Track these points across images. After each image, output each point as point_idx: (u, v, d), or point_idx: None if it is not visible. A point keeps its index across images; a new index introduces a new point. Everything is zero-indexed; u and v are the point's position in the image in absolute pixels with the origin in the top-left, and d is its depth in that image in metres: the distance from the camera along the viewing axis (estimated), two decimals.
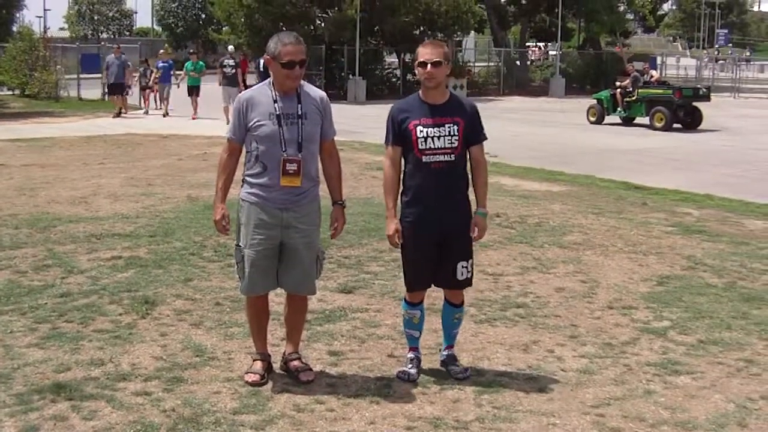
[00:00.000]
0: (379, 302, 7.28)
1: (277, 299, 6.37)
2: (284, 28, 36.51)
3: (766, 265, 8.89)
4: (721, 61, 59.16)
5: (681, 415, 5.18)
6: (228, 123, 27.22)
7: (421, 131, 5.48)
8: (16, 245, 9.08)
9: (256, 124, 5.44)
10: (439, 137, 5.49)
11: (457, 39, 45.92)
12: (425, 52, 5.54)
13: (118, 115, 27.16)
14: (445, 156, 5.50)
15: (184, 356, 5.98)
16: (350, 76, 36.71)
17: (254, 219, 5.53)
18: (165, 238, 9.47)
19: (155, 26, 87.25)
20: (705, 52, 68.03)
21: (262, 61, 27.65)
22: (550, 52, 56.60)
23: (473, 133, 5.60)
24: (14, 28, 45.61)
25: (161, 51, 32.47)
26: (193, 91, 27.35)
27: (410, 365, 5.74)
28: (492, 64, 48.97)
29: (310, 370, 5.64)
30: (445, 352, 5.86)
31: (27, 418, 4.93)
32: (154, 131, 21.95)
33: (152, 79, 29.25)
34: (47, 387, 5.34)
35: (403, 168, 5.68)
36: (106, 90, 30.71)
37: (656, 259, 9.07)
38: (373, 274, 8.21)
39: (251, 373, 5.55)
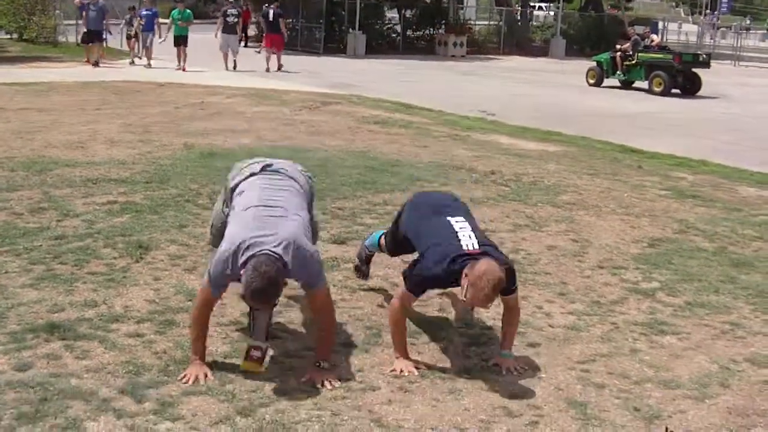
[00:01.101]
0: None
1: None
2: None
3: (757, 232, 8.96)
4: (722, 29, 58.82)
5: (665, 373, 5.26)
6: (226, 68, 27.76)
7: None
8: (12, 188, 9.11)
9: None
10: None
11: None
12: (483, 303, 4.88)
13: (96, 64, 25.70)
14: None
15: (176, 300, 6.05)
16: (350, 30, 36.53)
17: None
18: (161, 185, 9.50)
19: None
20: (701, 18, 67.70)
21: (271, 12, 28.42)
22: (550, 12, 56.30)
23: (505, 290, 5.04)
24: None
25: None
26: (180, 41, 25.91)
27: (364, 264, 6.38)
28: (493, 22, 48.71)
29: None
30: None
31: (20, 355, 4.99)
32: (151, 79, 21.87)
33: (136, 27, 27.76)
34: (41, 326, 5.41)
35: None
36: (82, 36, 28.06)
37: (649, 221, 9.13)
38: (366, 226, 8.25)
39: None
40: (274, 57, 27.18)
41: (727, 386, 5.14)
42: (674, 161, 13.27)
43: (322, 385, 4.82)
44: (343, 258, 7.21)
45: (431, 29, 41.68)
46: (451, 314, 6.10)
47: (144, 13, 27.67)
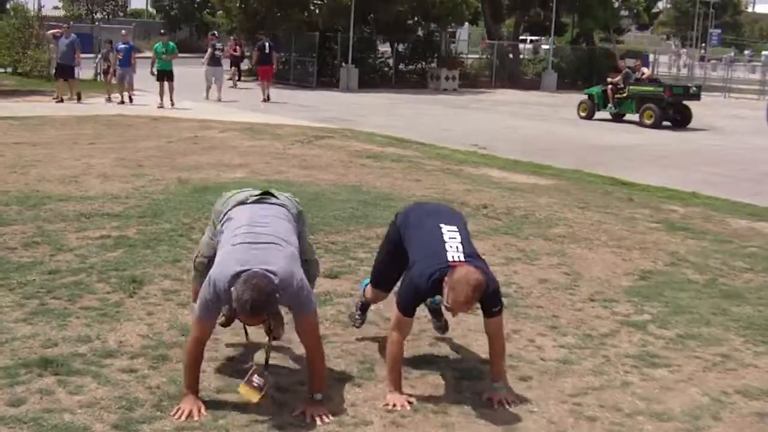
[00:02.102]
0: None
1: None
2: (278, 14, 36.57)
3: (747, 264, 9.00)
4: (713, 61, 59.22)
5: (657, 406, 5.28)
6: (206, 98, 27.97)
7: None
8: (6, 222, 9.13)
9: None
10: None
11: (451, 30, 45.89)
12: (461, 307, 4.98)
13: (61, 100, 24.45)
14: None
15: (169, 335, 6.06)
16: (343, 64, 36.70)
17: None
18: (154, 219, 9.53)
19: (149, 8, 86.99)
20: (684, 50, 68.23)
21: (267, 44, 29.15)
22: (543, 47, 56.64)
23: (488, 307, 5.21)
24: (8, 5, 45.45)
25: (123, 31, 28.40)
26: (164, 75, 24.60)
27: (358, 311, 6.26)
28: (485, 56, 48.96)
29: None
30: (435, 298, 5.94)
31: (13, 391, 5.00)
32: (145, 113, 21.93)
33: (113, 62, 26.52)
34: (34, 361, 5.42)
35: None
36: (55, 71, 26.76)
37: (640, 254, 9.17)
38: (358, 260, 8.28)
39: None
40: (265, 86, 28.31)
41: (718, 418, 5.16)
42: (665, 194, 13.34)
43: (313, 419, 4.82)
44: (335, 292, 7.23)
45: (423, 63, 41.89)
46: (444, 348, 6.11)
47: (121, 46, 26.14)
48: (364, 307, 6.33)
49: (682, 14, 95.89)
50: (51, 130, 17.77)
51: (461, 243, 5.24)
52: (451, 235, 5.28)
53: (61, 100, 24.42)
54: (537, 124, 24.99)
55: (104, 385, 5.16)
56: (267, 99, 28.07)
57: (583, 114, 27.45)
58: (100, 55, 28.29)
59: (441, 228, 5.34)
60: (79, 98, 25.01)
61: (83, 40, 31.07)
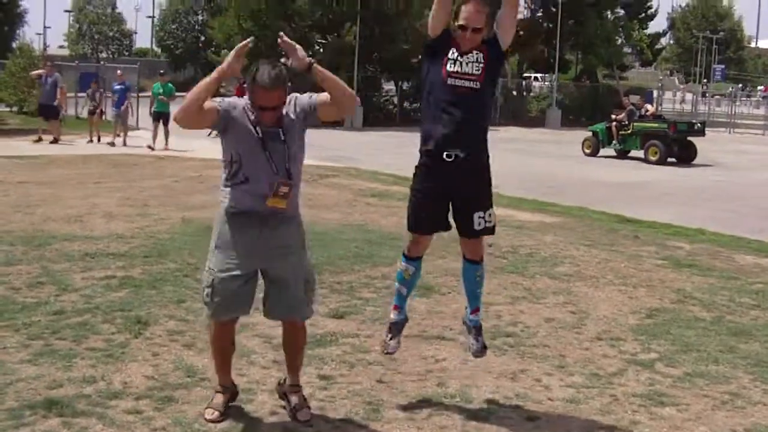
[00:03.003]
0: (370, 328, 7.34)
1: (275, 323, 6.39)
2: (282, 54, 36.72)
3: (755, 300, 8.97)
4: (717, 96, 59.44)
5: None
6: (215, 134, 28.15)
7: (453, 53, 5.61)
8: (11, 262, 9.14)
9: (237, 136, 5.15)
10: (467, 63, 5.61)
11: None
12: (468, 13, 5.47)
13: (39, 140, 23.94)
14: (471, 83, 5.66)
15: (175, 376, 6.04)
16: None
17: (231, 242, 5.21)
18: (159, 259, 9.53)
19: (155, 47, 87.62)
20: (682, 86, 68.57)
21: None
22: (546, 83, 56.89)
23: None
24: (14, 45, 45.80)
25: (118, 72, 28.39)
26: (161, 117, 23.68)
27: (390, 335, 6.03)
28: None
29: (308, 408, 5.43)
30: (471, 316, 6.05)
31: None
32: (147, 153, 21.99)
33: (98, 101, 26.16)
34: (39, 403, 5.39)
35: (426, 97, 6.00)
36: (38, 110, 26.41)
37: (646, 291, 9.15)
38: (364, 300, 8.27)
39: (211, 408, 5.33)
40: None
41: None
42: (671, 230, 13.32)
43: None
44: (341, 332, 7.21)
45: None
46: (451, 389, 6.08)
47: (116, 87, 25.70)
48: (392, 330, 6.17)
49: (685, 50, 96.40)
50: (56, 170, 17.83)
51: None
52: None
53: (39, 140, 23.90)
54: (542, 161, 25.04)
55: (109, 426, 5.13)
56: None
57: (587, 151, 27.51)
58: (86, 95, 27.16)
59: None
60: (55, 140, 24.17)
61: (87, 79, 31.14)
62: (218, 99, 5.19)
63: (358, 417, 5.45)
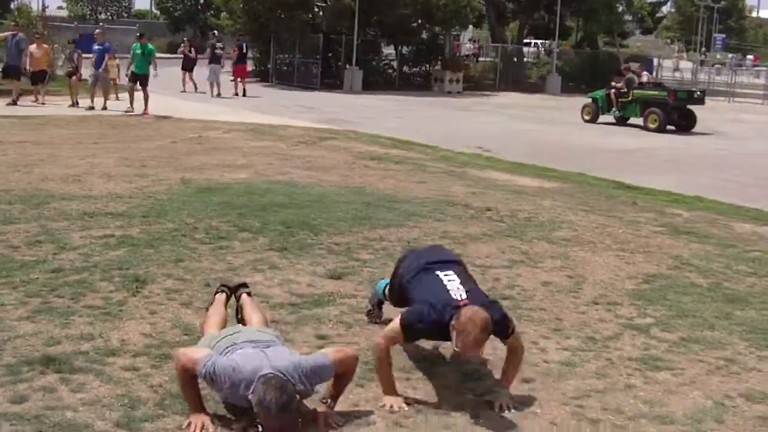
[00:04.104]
0: (367, 289, 7.33)
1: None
2: (282, 16, 36.58)
3: (751, 268, 8.99)
4: (717, 66, 59.22)
5: (659, 409, 5.27)
6: (212, 95, 28.39)
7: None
8: (9, 220, 9.13)
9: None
10: None
11: (455, 33, 45.89)
12: (471, 347, 4.91)
13: (15, 102, 23.05)
14: None
15: (172, 334, 6.06)
16: (347, 66, 36.71)
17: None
18: (157, 219, 9.52)
19: (153, 9, 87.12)
20: (675, 55, 68.36)
21: (244, 45, 31.49)
22: (541, 49, 56.78)
23: (501, 336, 5.27)
24: (12, 6, 45.52)
25: (97, 31, 26.69)
26: (138, 79, 22.66)
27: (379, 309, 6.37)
28: (489, 59, 49.00)
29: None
30: None
31: (16, 388, 4.99)
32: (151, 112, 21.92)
33: (77, 62, 24.72)
34: (37, 359, 5.41)
35: None
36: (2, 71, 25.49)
37: (643, 257, 9.16)
38: (362, 261, 8.28)
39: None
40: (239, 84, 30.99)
41: (721, 422, 5.15)
42: (669, 198, 13.32)
43: (326, 424, 4.79)
44: (339, 293, 7.22)
45: (428, 65, 41.89)
46: (446, 350, 6.10)
47: (96, 48, 24.44)
48: (380, 304, 6.47)
49: (686, 19, 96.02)
50: (54, 130, 17.79)
51: (461, 284, 5.29)
52: (449, 278, 5.33)
53: (15, 102, 23.15)
54: (541, 127, 24.98)
55: (107, 383, 5.15)
56: (243, 94, 30.50)
57: (587, 117, 27.44)
58: (64, 56, 26.24)
59: (437, 274, 5.39)
60: (14, 102, 23.24)
61: (87, 40, 30.81)
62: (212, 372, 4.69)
63: (354, 376, 5.46)
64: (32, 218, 9.30)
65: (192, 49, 32.45)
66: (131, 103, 22.65)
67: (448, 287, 5.23)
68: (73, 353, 5.57)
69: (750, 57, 77.74)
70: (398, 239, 9.17)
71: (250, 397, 4.50)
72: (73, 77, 24.45)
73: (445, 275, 5.36)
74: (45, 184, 11.27)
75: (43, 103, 23.74)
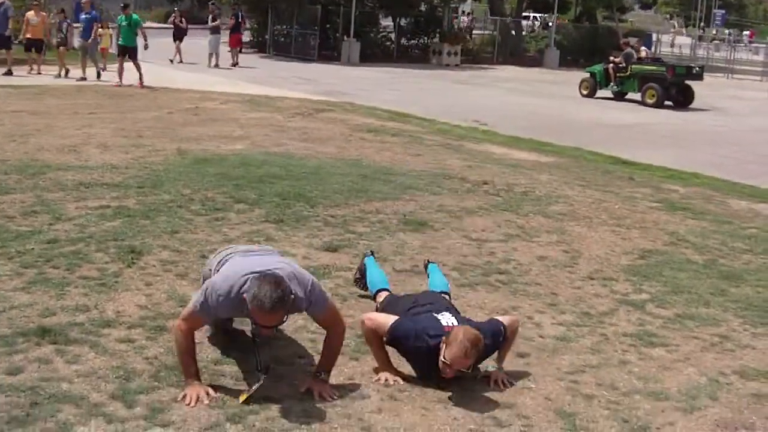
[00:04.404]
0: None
1: None
2: None
3: (747, 245, 9.00)
4: (716, 41, 59.03)
5: (654, 385, 5.28)
6: (209, 65, 28.34)
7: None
8: (5, 191, 9.11)
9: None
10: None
11: (453, 5, 45.69)
12: (459, 360, 4.85)
13: (9, 72, 22.74)
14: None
15: (168, 306, 6.05)
16: (344, 38, 36.56)
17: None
18: (153, 190, 9.50)
19: None
20: (672, 30, 68.13)
21: (240, 14, 32.54)
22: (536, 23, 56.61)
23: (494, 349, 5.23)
24: None
25: (83, 0, 25.22)
26: (126, 51, 21.87)
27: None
28: (487, 32, 48.82)
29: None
30: None
31: (11, 359, 4.99)
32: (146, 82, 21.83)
33: (66, 32, 24.24)
34: (32, 330, 5.41)
35: None
36: None
37: (639, 233, 9.16)
38: (357, 234, 8.27)
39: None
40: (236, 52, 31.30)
41: (715, 399, 5.16)
42: (666, 173, 13.32)
43: (321, 396, 4.80)
44: (334, 266, 7.22)
45: (426, 38, 41.74)
46: None
47: (82, 17, 23.95)
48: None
49: None
50: (51, 99, 17.73)
51: (453, 317, 5.26)
52: (441, 314, 5.29)
53: (9, 72, 22.82)
54: (538, 101, 24.92)
55: (102, 354, 5.15)
56: (236, 64, 30.64)
57: (584, 92, 27.36)
58: (53, 26, 25.09)
59: (430, 313, 5.34)
60: (9, 72, 22.90)
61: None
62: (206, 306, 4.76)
63: (348, 349, 5.46)
64: (28, 188, 9.28)
65: (183, 19, 31.82)
66: (120, 77, 21.78)
67: (440, 318, 5.20)
68: (69, 324, 5.56)
69: (746, 33, 77.50)
70: (394, 212, 9.16)
71: (244, 296, 4.56)
72: (62, 48, 23.85)
73: (436, 313, 5.31)
74: (41, 155, 11.24)
75: (39, 73, 23.44)
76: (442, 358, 4.90)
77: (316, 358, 5.13)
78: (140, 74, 21.52)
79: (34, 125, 13.85)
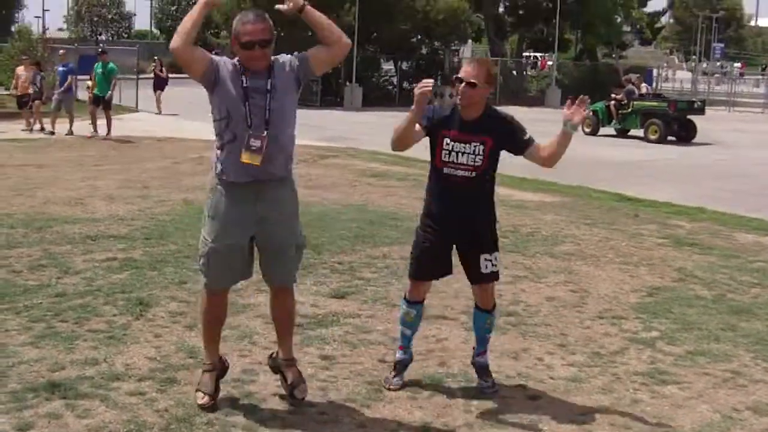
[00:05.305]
0: (371, 308, 7.34)
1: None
2: (282, 34, 36.63)
3: (755, 278, 8.98)
4: (717, 75, 59.34)
5: (667, 423, 5.25)
6: None
7: (447, 143, 5.52)
8: (12, 245, 9.13)
9: (225, 90, 5.07)
10: (463, 153, 5.57)
11: (454, 48, 45.97)
12: (464, 69, 5.49)
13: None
14: (467, 172, 5.62)
15: (177, 358, 6.04)
16: (347, 83, 36.76)
17: (224, 213, 5.24)
18: (160, 241, 9.52)
19: (153, 29, 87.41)
20: (665, 64, 68.40)
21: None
22: (548, 63, 56.79)
23: (515, 146, 5.84)
24: (13, 28, 45.65)
25: (60, 51, 25.30)
26: (99, 101, 21.37)
27: (394, 373, 5.73)
28: None
29: (305, 383, 5.37)
30: (478, 358, 5.82)
31: (21, 415, 4.97)
32: (150, 133, 21.92)
33: (39, 86, 22.98)
34: (42, 385, 5.39)
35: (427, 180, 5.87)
36: None
37: (647, 270, 9.15)
38: (365, 280, 8.27)
39: (201, 392, 5.24)
40: None
41: None
42: (671, 209, 13.31)
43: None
44: (343, 312, 7.21)
45: None
46: (453, 369, 6.08)
47: (60, 69, 23.26)
48: (397, 367, 5.82)
49: (685, 29, 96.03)
50: (56, 152, 17.82)
51: None
52: None
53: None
54: (541, 140, 24.84)
55: (112, 408, 5.13)
56: None
57: (587, 130, 27.43)
58: (28, 80, 23.72)
59: None
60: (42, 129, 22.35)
61: (87, 61, 30.52)
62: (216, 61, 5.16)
63: (360, 397, 5.45)
64: (35, 242, 9.30)
65: (162, 68, 31.11)
66: (94, 127, 21.30)
67: None
68: (78, 378, 5.56)
69: (737, 65, 77.87)
70: (402, 257, 9.14)
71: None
72: (36, 101, 22.82)
73: None
74: (47, 208, 11.27)
75: (31, 130, 22.47)
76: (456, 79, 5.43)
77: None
78: (109, 125, 21.01)
79: (40, 178, 13.92)
